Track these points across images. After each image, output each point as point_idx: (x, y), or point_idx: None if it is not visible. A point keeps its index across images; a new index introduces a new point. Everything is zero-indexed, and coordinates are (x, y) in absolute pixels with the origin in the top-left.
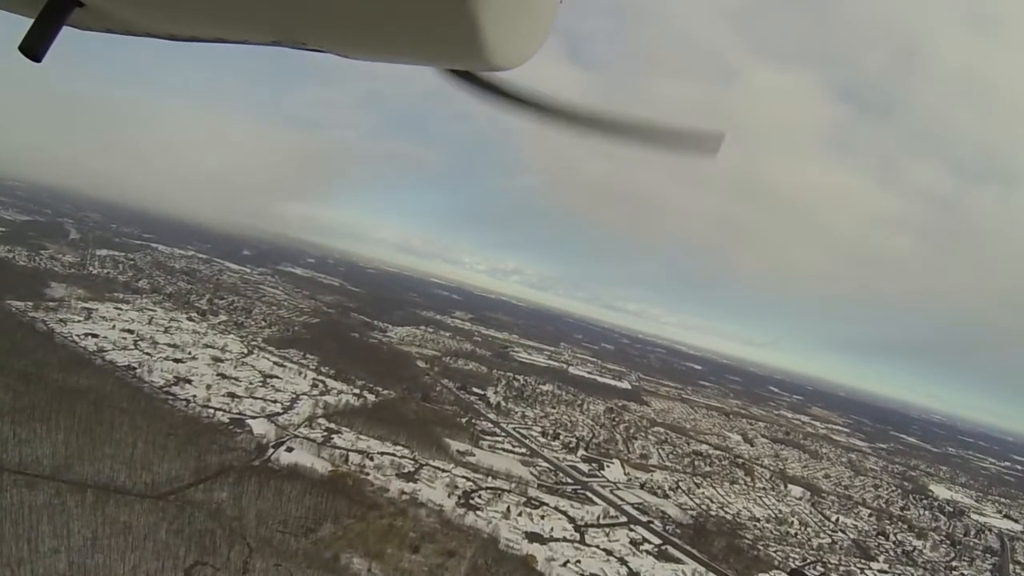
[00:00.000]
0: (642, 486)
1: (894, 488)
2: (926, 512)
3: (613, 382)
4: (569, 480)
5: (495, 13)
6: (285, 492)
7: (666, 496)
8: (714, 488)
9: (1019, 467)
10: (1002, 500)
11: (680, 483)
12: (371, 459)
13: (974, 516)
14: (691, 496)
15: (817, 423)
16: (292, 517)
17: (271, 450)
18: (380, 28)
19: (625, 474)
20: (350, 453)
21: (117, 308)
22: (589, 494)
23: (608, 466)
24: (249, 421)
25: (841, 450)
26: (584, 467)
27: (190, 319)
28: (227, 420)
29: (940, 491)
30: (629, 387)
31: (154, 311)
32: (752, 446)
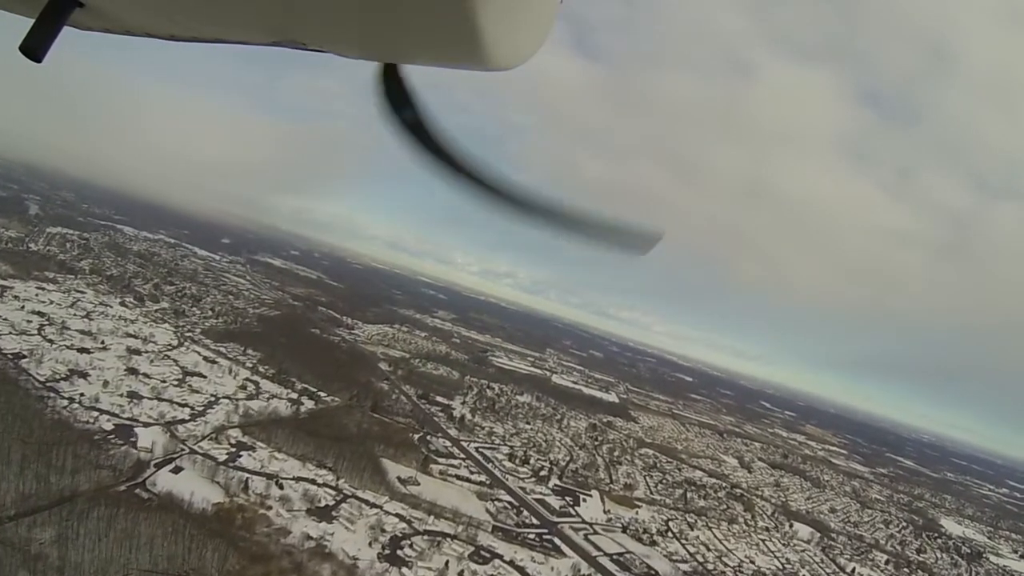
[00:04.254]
0: (625, 528)
1: (904, 524)
2: (944, 555)
3: (599, 394)
4: (534, 521)
5: (495, 13)
6: (144, 532)
7: (653, 543)
8: (710, 529)
9: (1018, 495)
10: (1014, 536)
11: (671, 523)
12: (280, 487)
13: (992, 558)
14: (683, 542)
15: (813, 444)
16: (138, 571)
17: (151, 470)
18: (380, 28)
19: (605, 511)
20: (255, 477)
21: (40, 288)
22: (557, 541)
23: (585, 500)
24: (139, 429)
25: (843, 476)
26: (555, 502)
27: (123, 304)
28: (110, 427)
29: (951, 526)
30: (616, 400)
31: (83, 293)
32: (750, 472)
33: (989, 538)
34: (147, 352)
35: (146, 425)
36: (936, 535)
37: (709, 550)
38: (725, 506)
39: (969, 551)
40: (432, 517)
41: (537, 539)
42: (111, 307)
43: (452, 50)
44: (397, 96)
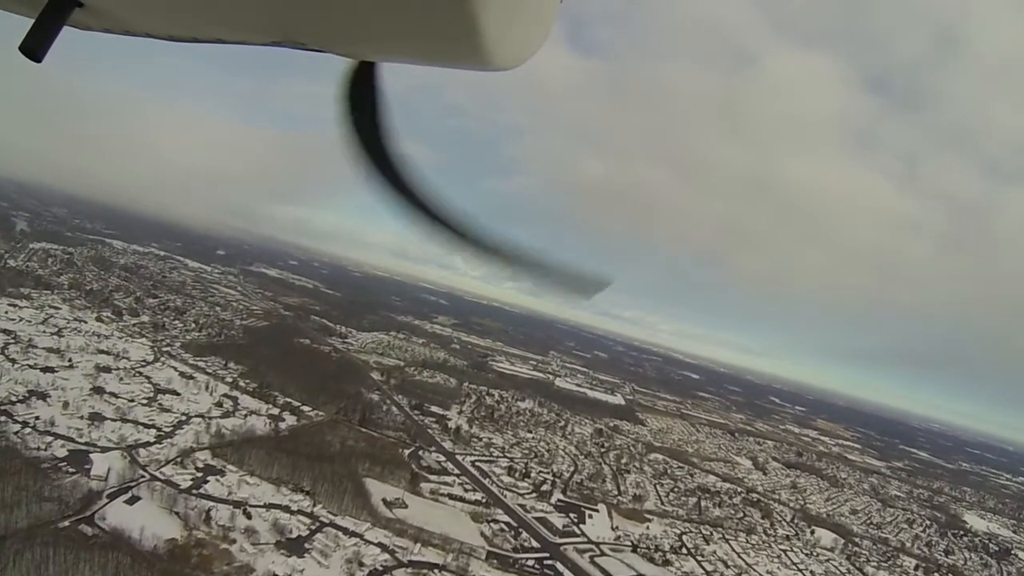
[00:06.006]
0: (635, 547)
1: (928, 522)
2: (972, 555)
3: (604, 396)
4: (535, 544)
5: (495, 13)
6: None
7: (667, 562)
8: (728, 542)
9: None
10: None
11: (684, 537)
12: (248, 516)
13: (1022, 555)
14: (699, 558)
15: (826, 439)
16: None
17: (103, 501)
18: (380, 28)
19: (613, 528)
20: (220, 506)
21: (11, 304)
22: (560, 566)
23: (591, 516)
24: (95, 455)
25: (859, 473)
26: (559, 520)
27: (99, 319)
28: (64, 453)
29: (974, 521)
30: (622, 402)
31: (58, 309)
32: (765, 474)
33: (1015, 532)
34: (117, 369)
35: (104, 450)
36: (961, 532)
37: (728, 567)
38: (742, 514)
39: (997, 548)
40: (419, 545)
41: (537, 565)
42: (86, 322)
43: (452, 50)
44: (361, 104)
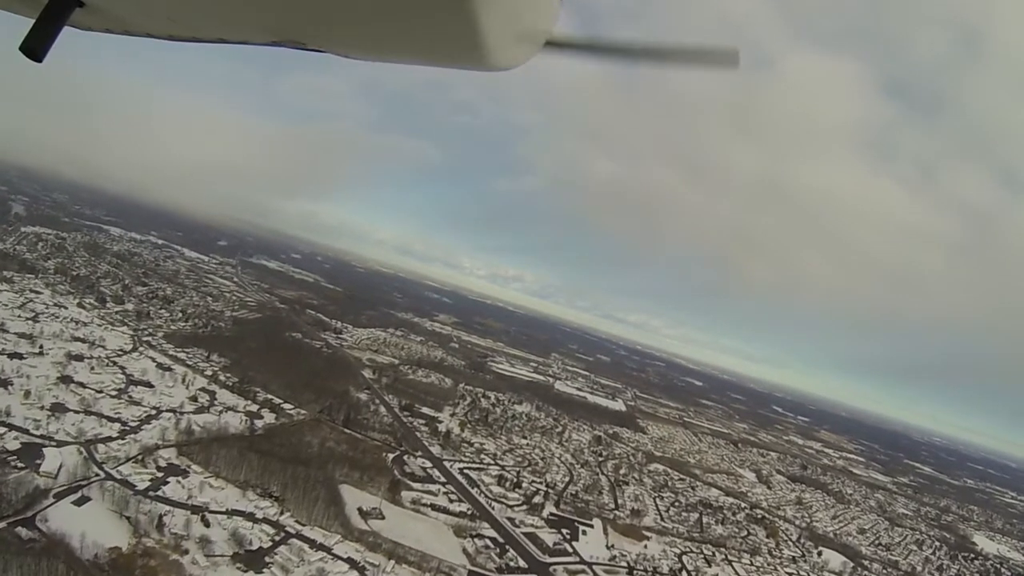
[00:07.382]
0: (631, 570)
1: (937, 543)
2: None
3: (605, 401)
4: (521, 563)
5: (495, 13)
6: None
7: None
8: (731, 564)
9: None
10: None
11: (685, 558)
12: (206, 524)
13: None
14: None
15: (830, 451)
16: None
17: (48, 501)
18: (380, 28)
19: (608, 546)
20: (176, 511)
21: None
22: None
23: (585, 532)
24: (49, 450)
25: (865, 488)
26: (549, 537)
27: (81, 305)
28: (16, 446)
29: (984, 543)
30: (623, 408)
31: (39, 294)
32: (769, 488)
33: None
34: (91, 358)
35: (60, 444)
36: (972, 555)
37: None
38: (746, 532)
39: (1010, 573)
40: (392, 562)
41: None
42: (66, 308)
43: (452, 50)
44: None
